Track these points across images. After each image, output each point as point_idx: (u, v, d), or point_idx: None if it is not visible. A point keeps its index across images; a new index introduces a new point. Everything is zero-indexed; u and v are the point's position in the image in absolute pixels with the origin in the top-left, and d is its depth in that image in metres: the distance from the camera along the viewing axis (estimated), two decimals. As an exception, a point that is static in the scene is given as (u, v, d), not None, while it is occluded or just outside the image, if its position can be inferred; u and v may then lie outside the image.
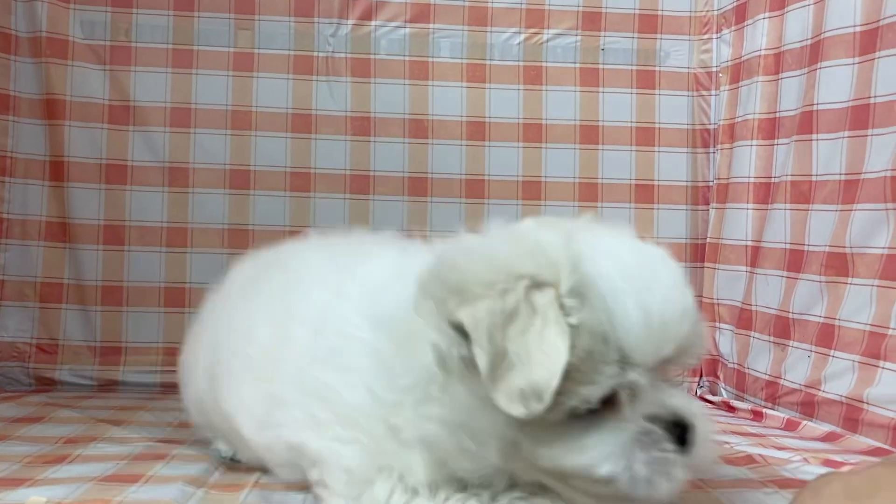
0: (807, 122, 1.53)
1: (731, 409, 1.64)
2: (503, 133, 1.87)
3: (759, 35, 1.71)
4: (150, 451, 1.19)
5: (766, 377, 1.60)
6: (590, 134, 1.88)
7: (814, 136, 1.52)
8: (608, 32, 1.89)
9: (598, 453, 0.70)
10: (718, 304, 1.80)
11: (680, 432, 0.73)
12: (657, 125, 1.89)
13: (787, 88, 1.63)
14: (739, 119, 1.77)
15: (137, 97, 1.81)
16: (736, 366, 1.73)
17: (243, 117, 1.83)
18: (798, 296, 1.53)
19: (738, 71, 1.79)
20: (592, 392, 0.69)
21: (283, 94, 1.84)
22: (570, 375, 0.67)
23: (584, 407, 0.70)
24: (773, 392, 1.57)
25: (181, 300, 1.78)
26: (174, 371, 1.74)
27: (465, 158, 1.87)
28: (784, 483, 0.99)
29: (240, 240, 1.79)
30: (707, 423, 0.76)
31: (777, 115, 1.66)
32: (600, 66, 1.89)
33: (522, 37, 1.88)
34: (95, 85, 1.80)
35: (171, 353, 1.77)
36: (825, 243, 1.46)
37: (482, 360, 0.67)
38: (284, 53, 1.85)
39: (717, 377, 1.80)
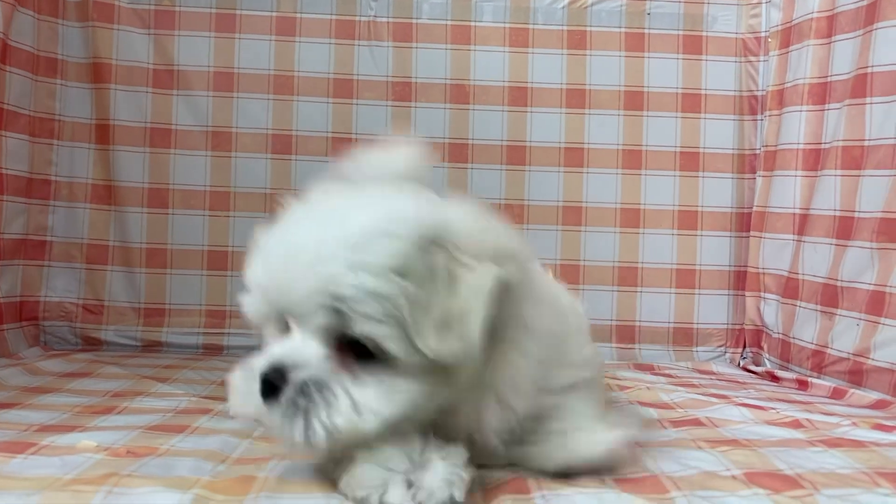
0: (860, 86, 1.49)
1: (775, 378, 1.62)
2: (546, 99, 1.85)
3: (812, -2, 1.66)
4: (195, 405, 1.21)
5: (813, 346, 1.57)
6: (635, 100, 1.85)
7: (867, 100, 1.48)
8: (654, -4, 1.85)
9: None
10: (764, 274, 1.77)
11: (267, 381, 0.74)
12: (703, 91, 1.85)
13: (839, 51, 1.59)
14: (789, 84, 1.73)
15: (181, 61, 1.82)
16: (781, 336, 1.70)
17: (285, 82, 1.83)
18: (847, 263, 1.50)
19: (789, 35, 1.75)
20: None
21: (324, 58, 1.84)
22: None
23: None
24: (819, 361, 1.54)
25: (223, 263, 1.80)
26: (216, 333, 1.79)
27: (506, 124, 1.85)
28: (833, 443, 0.97)
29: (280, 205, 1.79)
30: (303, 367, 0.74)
31: (829, 79, 1.62)
32: (646, 31, 1.86)
33: (566, 1, 1.85)
34: (140, 49, 1.81)
35: (213, 316, 1.80)
36: (877, 209, 1.43)
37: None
38: (326, 18, 1.84)
39: (761, 347, 1.77)
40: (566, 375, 0.87)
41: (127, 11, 1.81)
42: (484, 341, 0.72)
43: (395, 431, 0.74)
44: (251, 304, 0.77)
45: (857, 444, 0.98)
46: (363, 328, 0.70)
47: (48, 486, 0.77)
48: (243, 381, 0.76)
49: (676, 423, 1.11)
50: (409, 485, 0.71)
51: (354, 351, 0.72)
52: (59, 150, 1.79)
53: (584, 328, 1.04)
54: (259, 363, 0.75)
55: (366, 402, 0.72)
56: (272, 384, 0.73)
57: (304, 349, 0.74)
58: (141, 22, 1.81)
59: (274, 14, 1.83)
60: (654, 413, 1.19)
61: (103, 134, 1.80)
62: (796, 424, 1.11)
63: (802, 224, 1.65)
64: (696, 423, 1.12)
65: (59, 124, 1.79)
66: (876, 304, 1.41)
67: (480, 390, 0.78)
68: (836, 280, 1.51)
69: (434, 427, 0.77)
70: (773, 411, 1.19)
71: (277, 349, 0.75)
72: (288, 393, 0.72)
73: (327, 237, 0.72)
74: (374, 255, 0.70)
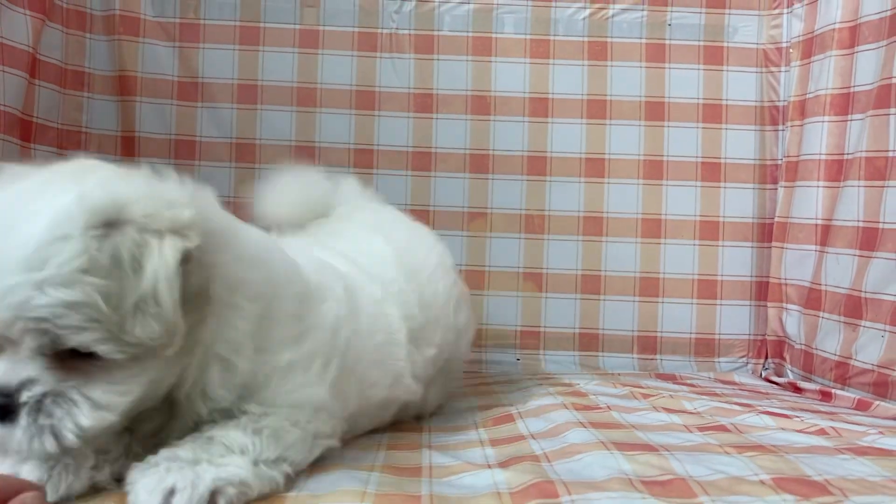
0: (884, 96, 1.49)
1: (797, 390, 1.61)
2: (567, 110, 1.86)
3: (834, 8, 1.66)
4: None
5: (836, 358, 1.56)
6: (656, 111, 1.85)
7: (891, 111, 1.47)
8: (675, 7, 1.86)
9: None
10: (786, 285, 1.76)
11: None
12: (724, 102, 1.86)
13: (862, 62, 1.59)
14: (811, 95, 1.73)
15: (206, 74, 1.85)
16: (803, 346, 1.69)
17: (308, 94, 1.85)
18: (871, 274, 1.49)
19: (811, 46, 1.75)
20: None
21: (347, 70, 1.86)
22: None
23: None
24: (843, 373, 1.53)
25: (246, 273, 1.81)
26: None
27: (527, 135, 1.86)
28: (861, 451, 0.97)
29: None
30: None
31: (851, 89, 1.62)
32: (667, 42, 1.86)
33: (587, 12, 1.86)
34: (165, 62, 1.84)
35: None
36: (902, 219, 1.42)
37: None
38: (349, 30, 1.86)
39: (784, 358, 1.77)
40: (283, 333, 0.87)
41: (152, 25, 1.84)
42: (183, 313, 0.73)
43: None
44: None
45: (886, 452, 0.98)
46: (72, 340, 0.70)
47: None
48: None
49: (702, 429, 1.10)
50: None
51: (75, 353, 0.72)
52: (85, 162, 1.81)
53: (323, 285, 0.98)
54: None
55: (103, 398, 0.73)
56: (5, 408, 0.72)
57: (25, 367, 0.72)
58: (166, 35, 1.84)
59: (297, 27, 1.86)
60: (677, 419, 1.18)
61: (129, 146, 1.83)
62: (822, 432, 1.10)
63: (825, 235, 1.65)
64: (722, 429, 1.11)
65: (86, 136, 1.82)
66: (901, 314, 1.40)
67: (203, 353, 0.80)
68: (860, 291, 1.51)
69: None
70: (798, 420, 1.18)
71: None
72: (25, 413, 0.71)
73: (4, 260, 0.68)
74: (57, 266, 0.68)
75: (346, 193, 1.37)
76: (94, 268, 0.69)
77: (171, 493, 0.72)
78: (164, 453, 0.76)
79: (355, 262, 1.11)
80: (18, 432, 0.71)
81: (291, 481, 0.83)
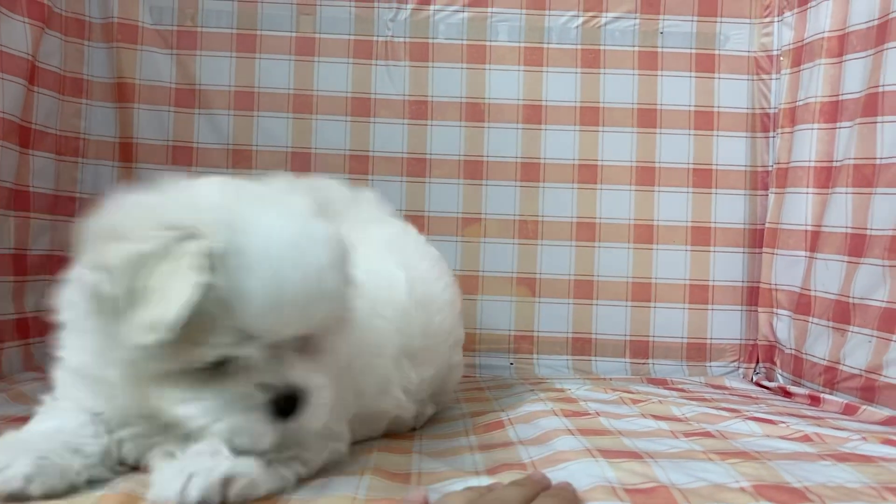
0: (872, 105, 1.51)
1: (787, 394, 1.63)
2: (560, 116, 1.88)
3: (823, 17, 1.68)
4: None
5: (825, 362, 1.58)
6: (648, 118, 1.87)
7: (879, 119, 1.49)
8: (667, 16, 1.88)
9: (195, 409, 0.78)
10: (776, 290, 1.79)
11: (287, 402, 0.80)
12: (716, 109, 1.88)
13: (851, 71, 1.61)
14: (800, 102, 1.75)
15: (203, 81, 1.87)
16: (793, 351, 1.71)
17: (305, 101, 1.87)
18: (859, 280, 1.51)
19: (800, 54, 1.77)
20: (204, 355, 0.76)
21: (343, 78, 1.88)
22: (188, 333, 0.73)
23: (197, 365, 0.77)
24: (831, 377, 1.55)
25: (243, 278, 1.83)
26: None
27: (521, 142, 1.88)
28: (842, 457, 0.99)
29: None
30: (320, 397, 0.82)
31: (840, 97, 1.64)
32: (659, 50, 1.88)
33: (580, 20, 1.88)
34: (163, 69, 1.86)
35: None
36: (889, 227, 1.44)
37: (115, 293, 0.74)
38: (345, 38, 1.88)
39: (774, 363, 1.79)
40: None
41: (150, 32, 1.86)
42: None
43: None
44: (276, 324, 0.78)
45: (866, 458, 1.00)
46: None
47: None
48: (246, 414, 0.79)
49: (688, 435, 1.13)
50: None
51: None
52: (84, 168, 1.83)
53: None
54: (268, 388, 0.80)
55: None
56: (295, 406, 0.81)
57: (315, 369, 0.83)
58: (164, 42, 1.86)
59: (293, 35, 1.87)
60: (664, 426, 1.20)
61: (127, 152, 1.85)
62: (806, 439, 1.12)
63: (814, 241, 1.67)
64: (708, 435, 1.14)
65: (85, 143, 1.84)
66: (888, 320, 1.42)
67: None
68: (849, 297, 1.53)
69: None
70: (784, 425, 1.20)
71: (294, 373, 0.81)
72: (299, 412, 0.81)
73: (322, 258, 0.80)
74: (345, 266, 0.85)
75: (363, 205, 1.38)
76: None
77: (189, 477, 0.76)
78: (189, 447, 0.80)
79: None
80: (287, 428, 0.80)
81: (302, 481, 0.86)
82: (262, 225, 0.78)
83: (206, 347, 0.76)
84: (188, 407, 0.78)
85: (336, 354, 0.87)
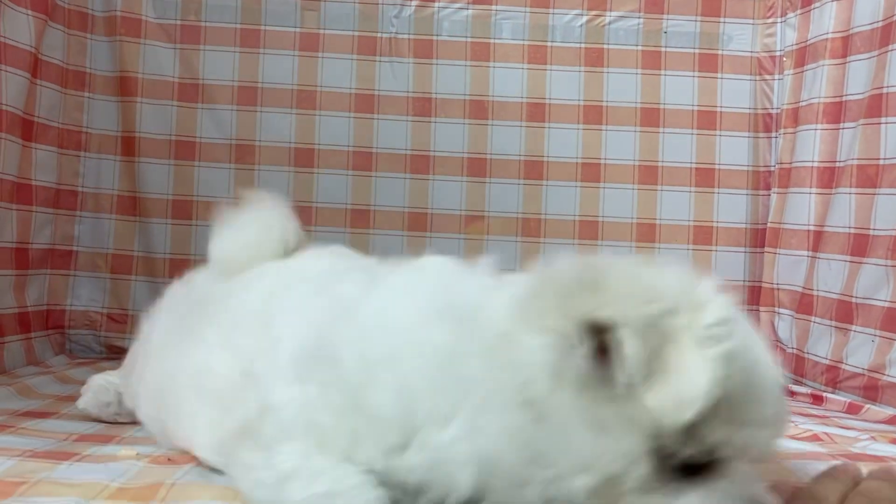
0: (876, 105, 1.52)
1: (790, 394, 1.64)
2: (563, 115, 1.88)
3: (827, 18, 1.69)
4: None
5: (827, 362, 1.59)
6: (651, 117, 1.88)
7: (882, 120, 1.50)
8: (671, 15, 1.88)
9: None
10: (778, 290, 1.80)
11: None
12: (719, 109, 1.88)
13: (854, 71, 1.62)
14: (804, 103, 1.76)
15: (206, 75, 1.86)
16: (795, 351, 1.72)
17: (308, 97, 1.87)
18: (862, 280, 1.52)
19: (804, 54, 1.78)
20: (716, 440, 0.62)
21: (347, 74, 1.87)
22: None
23: (697, 457, 0.63)
24: (833, 377, 1.56)
25: (245, 274, 1.83)
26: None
27: (524, 140, 1.88)
28: (854, 458, 1.00)
29: (303, 217, 1.78)
30: None
31: (843, 98, 1.65)
32: (662, 49, 1.89)
33: (584, 19, 1.89)
34: (166, 63, 1.85)
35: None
36: (892, 227, 1.45)
37: (633, 357, 0.59)
38: (349, 34, 1.88)
39: (775, 362, 1.79)
40: None
41: (153, 26, 1.85)
42: None
43: None
44: (777, 422, 0.67)
45: (878, 458, 1.00)
46: None
47: (98, 493, 0.80)
48: None
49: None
50: None
51: None
52: (86, 162, 1.82)
53: None
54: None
55: None
56: None
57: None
58: (167, 36, 1.85)
59: (298, 30, 1.87)
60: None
61: (129, 146, 1.84)
62: (815, 438, 1.13)
63: (817, 241, 1.68)
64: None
65: (87, 136, 1.82)
66: (891, 320, 1.43)
67: None
68: (851, 296, 1.54)
69: None
70: (791, 425, 1.21)
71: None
72: None
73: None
74: None
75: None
76: None
77: None
78: None
79: None
80: None
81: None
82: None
83: (715, 434, 0.62)
84: None
85: None
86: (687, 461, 0.62)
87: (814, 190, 1.71)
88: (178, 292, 1.15)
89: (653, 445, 0.61)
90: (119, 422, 1.15)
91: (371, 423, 0.70)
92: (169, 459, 0.94)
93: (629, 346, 0.59)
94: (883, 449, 1.06)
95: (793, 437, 1.13)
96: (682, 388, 0.59)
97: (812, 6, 1.75)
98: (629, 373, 0.59)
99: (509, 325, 0.67)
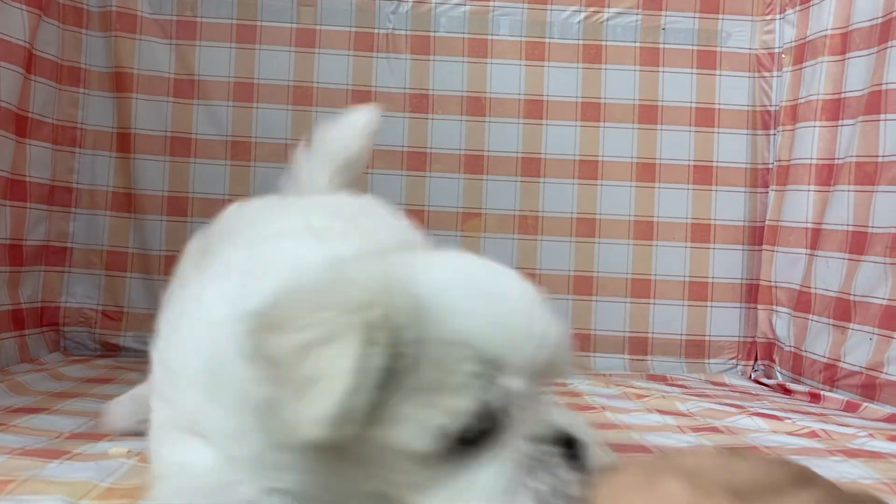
0: (875, 102, 1.51)
1: (786, 391, 1.63)
2: (561, 112, 1.87)
3: (826, 15, 1.69)
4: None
5: (825, 360, 1.58)
6: (649, 114, 1.87)
7: (882, 117, 1.50)
8: (669, 12, 1.88)
9: (484, 495, 0.59)
10: (776, 287, 1.79)
11: (568, 449, 0.61)
12: (717, 106, 1.88)
13: (853, 68, 1.61)
14: (802, 100, 1.75)
15: (202, 71, 1.85)
16: (792, 349, 1.71)
17: (304, 92, 1.86)
18: (860, 278, 1.51)
19: (802, 51, 1.77)
20: (460, 403, 0.58)
21: (343, 70, 1.86)
22: (419, 391, 0.58)
23: (454, 429, 0.58)
24: (831, 375, 1.56)
25: (241, 271, 1.82)
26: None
27: (521, 137, 1.88)
28: (852, 453, 0.99)
29: (299, 213, 1.81)
30: (593, 434, 0.65)
31: (842, 95, 1.64)
32: (660, 46, 1.88)
33: (582, 15, 1.88)
34: (162, 59, 1.84)
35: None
36: (891, 224, 1.44)
37: (283, 388, 0.58)
38: (346, 30, 1.87)
39: (773, 360, 1.79)
40: None
41: (149, 22, 1.84)
42: None
43: None
44: (529, 341, 0.61)
45: (876, 455, 1.00)
46: None
47: (86, 493, 0.78)
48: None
49: (696, 430, 1.12)
50: None
51: None
52: (80, 158, 1.81)
53: None
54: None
55: None
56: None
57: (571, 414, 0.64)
58: (163, 32, 1.84)
59: (294, 26, 1.86)
60: (671, 420, 1.20)
61: (124, 142, 1.83)
62: (813, 434, 1.13)
63: (815, 238, 1.67)
64: (714, 430, 1.13)
65: (82, 132, 1.81)
66: (889, 318, 1.42)
67: None
68: (849, 294, 1.53)
69: None
70: (790, 421, 1.20)
71: (557, 416, 0.63)
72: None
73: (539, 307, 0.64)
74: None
75: None
76: None
77: None
78: None
79: None
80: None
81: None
82: (440, 261, 0.66)
83: (458, 397, 0.58)
84: (472, 497, 0.59)
85: None
86: (463, 434, 0.58)
87: (812, 187, 1.70)
88: None
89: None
90: None
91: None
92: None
93: (280, 384, 0.59)
94: (882, 446, 1.05)
95: (790, 433, 1.12)
96: (311, 410, 0.56)
97: (811, 3, 1.75)
98: (280, 396, 0.58)
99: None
